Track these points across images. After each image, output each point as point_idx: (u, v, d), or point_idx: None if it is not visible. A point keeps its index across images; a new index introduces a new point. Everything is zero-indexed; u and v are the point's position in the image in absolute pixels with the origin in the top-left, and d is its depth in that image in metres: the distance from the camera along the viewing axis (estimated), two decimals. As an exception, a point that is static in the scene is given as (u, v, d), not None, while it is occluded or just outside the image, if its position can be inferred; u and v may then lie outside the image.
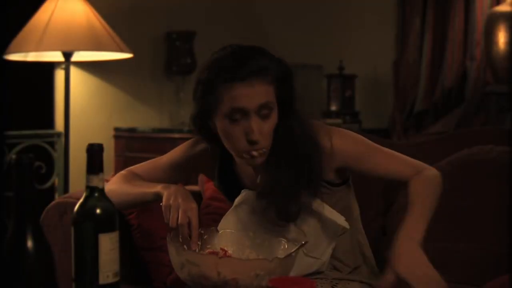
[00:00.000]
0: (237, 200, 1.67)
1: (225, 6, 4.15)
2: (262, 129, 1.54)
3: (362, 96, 4.35)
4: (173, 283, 1.87)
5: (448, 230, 2.08)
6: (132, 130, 3.60)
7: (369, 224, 1.97)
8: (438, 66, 4.12)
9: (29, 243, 1.16)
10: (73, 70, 3.34)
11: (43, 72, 3.39)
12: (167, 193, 1.56)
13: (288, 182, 1.58)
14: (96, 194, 1.26)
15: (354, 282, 1.70)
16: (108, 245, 1.24)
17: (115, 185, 1.69)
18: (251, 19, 4.28)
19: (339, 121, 3.98)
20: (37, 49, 2.93)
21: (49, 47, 2.95)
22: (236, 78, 1.51)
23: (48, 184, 3.30)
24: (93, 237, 1.23)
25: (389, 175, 1.65)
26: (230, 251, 1.56)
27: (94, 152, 1.26)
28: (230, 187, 1.74)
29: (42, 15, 2.99)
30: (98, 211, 1.25)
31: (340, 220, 1.64)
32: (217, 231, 1.63)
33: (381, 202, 2.23)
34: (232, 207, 1.68)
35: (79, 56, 3.19)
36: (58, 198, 2.37)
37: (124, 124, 3.66)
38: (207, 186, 2.18)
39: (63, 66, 3.14)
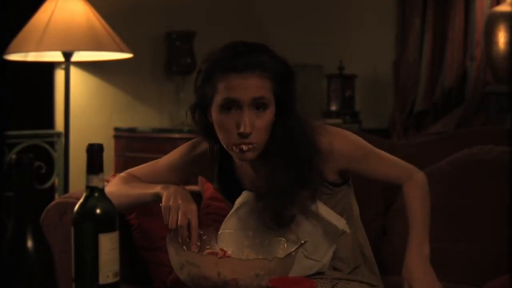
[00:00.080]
0: (237, 201, 1.66)
1: (225, 6, 4.15)
2: (255, 123, 1.54)
3: (362, 96, 4.35)
4: (173, 283, 1.87)
5: (448, 230, 2.08)
6: (132, 130, 3.60)
7: (369, 224, 1.98)
8: (438, 66, 4.12)
9: (29, 243, 1.16)
10: (73, 70, 3.34)
11: (43, 72, 3.39)
12: (167, 193, 1.56)
13: (288, 182, 1.58)
14: (96, 194, 1.26)
15: (354, 282, 1.70)
16: (108, 245, 1.24)
17: (114, 187, 1.69)
18: (251, 19, 4.28)
19: (339, 121, 3.98)
20: (37, 49, 2.93)
21: (49, 47, 2.95)
22: (232, 69, 1.53)
23: (48, 184, 3.30)
24: (93, 237, 1.23)
25: (384, 178, 1.70)
26: (229, 252, 1.56)
27: (94, 152, 1.26)
28: (230, 188, 1.73)
29: (42, 15, 2.99)
30: (98, 211, 1.25)
31: (341, 223, 1.64)
32: (217, 231, 1.63)
33: (381, 202, 2.24)
34: (233, 209, 1.67)
35: (79, 56, 3.18)
36: (58, 198, 2.37)
37: (124, 124, 3.66)
38: (207, 186, 2.18)
39: (63, 66, 3.14)
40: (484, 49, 3.75)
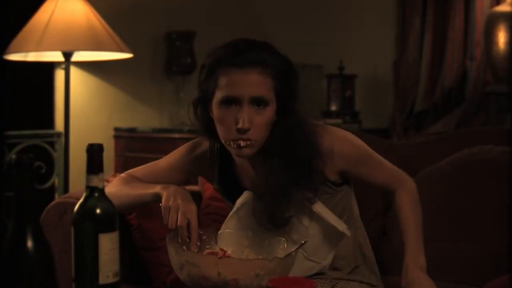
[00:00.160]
0: (238, 202, 1.66)
1: (225, 6, 4.15)
2: (254, 120, 1.55)
3: (362, 96, 4.35)
4: (173, 283, 1.87)
5: (448, 230, 2.09)
6: (132, 130, 3.60)
7: (369, 224, 1.97)
8: (438, 66, 4.12)
9: (29, 243, 1.16)
10: (73, 70, 3.34)
11: (43, 72, 3.39)
12: (167, 193, 1.56)
13: (287, 182, 1.58)
14: (96, 194, 1.26)
15: (354, 282, 1.70)
16: (108, 245, 1.24)
17: (114, 188, 1.69)
18: (251, 19, 4.28)
19: (339, 121, 3.98)
20: (37, 49, 2.93)
21: (49, 47, 2.95)
22: (234, 65, 1.54)
23: (48, 184, 3.30)
24: (93, 237, 1.23)
25: (378, 183, 1.71)
26: (229, 251, 1.56)
27: (94, 152, 1.26)
28: (230, 188, 1.73)
29: (42, 15, 2.99)
30: (98, 211, 1.25)
31: (341, 226, 1.63)
32: (216, 231, 1.63)
33: (381, 202, 2.23)
34: (234, 210, 1.67)
35: (79, 56, 3.18)
36: (58, 198, 2.37)
37: (124, 124, 3.66)
38: (207, 186, 2.18)
39: (63, 66, 3.14)
40: (484, 49, 3.75)
